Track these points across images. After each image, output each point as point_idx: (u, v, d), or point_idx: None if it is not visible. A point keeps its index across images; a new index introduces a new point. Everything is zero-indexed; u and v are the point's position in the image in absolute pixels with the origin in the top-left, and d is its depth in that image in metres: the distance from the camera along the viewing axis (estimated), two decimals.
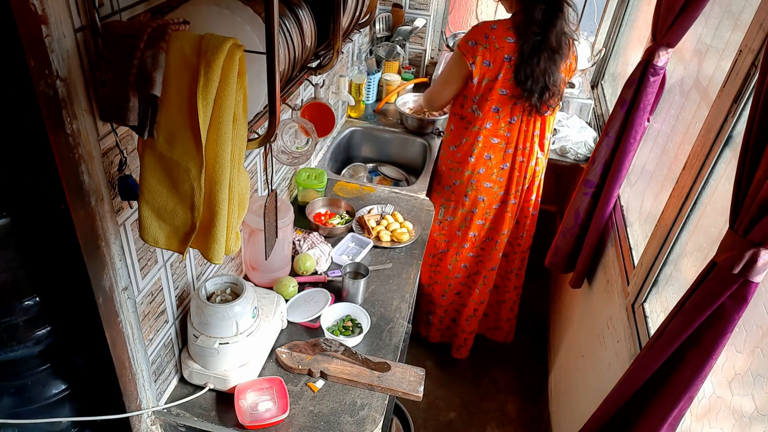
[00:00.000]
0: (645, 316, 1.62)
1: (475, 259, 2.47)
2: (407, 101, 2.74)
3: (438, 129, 2.67)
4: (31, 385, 1.11)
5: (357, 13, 1.50)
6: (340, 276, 1.77)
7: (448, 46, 3.00)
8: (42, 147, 0.83)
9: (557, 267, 2.34)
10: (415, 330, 2.80)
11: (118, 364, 1.14)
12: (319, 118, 1.65)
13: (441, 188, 2.40)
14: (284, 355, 1.51)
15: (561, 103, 2.20)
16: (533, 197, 2.36)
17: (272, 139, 0.98)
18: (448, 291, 2.57)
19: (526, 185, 2.30)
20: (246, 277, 1.74)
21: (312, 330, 1.63)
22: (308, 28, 1.22)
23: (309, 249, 1.85)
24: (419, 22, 3.00)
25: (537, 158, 2.24)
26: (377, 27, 2.95)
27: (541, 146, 2.23)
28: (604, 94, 3.02)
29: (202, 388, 1.41)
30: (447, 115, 2.61)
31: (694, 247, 1.50)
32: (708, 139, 1.42)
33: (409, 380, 1.48)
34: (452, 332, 2.72)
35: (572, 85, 2.86)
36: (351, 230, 2.03)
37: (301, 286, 1.75)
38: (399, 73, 3.00)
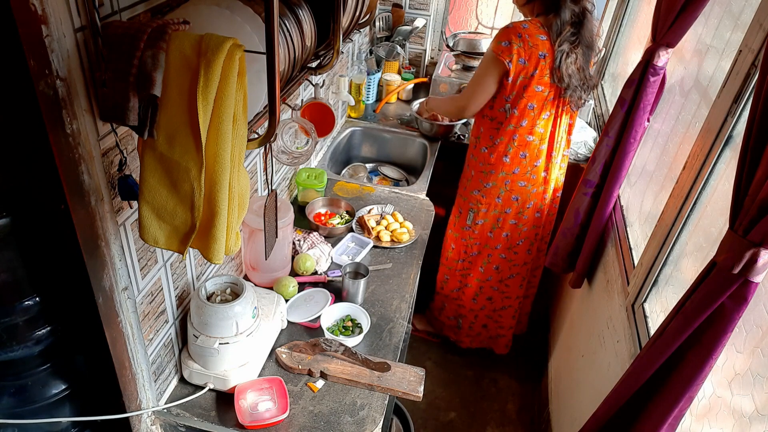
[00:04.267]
0: (645, 316, 1.62)
1: (507, 261, 2.43)
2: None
3: (457, 134, 2.66)
4: (31, 385, 1.11)
5: (357, 13, 1.50)
6: (340, 276, 1.77)
7: (448, 46, 3.00)
8: (42, 147, 0.83)
9: (557, 267, 2.34)
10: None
11: (118, 364, 1.14)
12: (319, 118, 1.65)
13: (468, 193, 2.35)
14: (284, 355, 1.51)
15: None
16: (558, 194, 2.36)
17: (272, 139, 0.98)
18: (479, 294, 2.54)
19: (554, 181, 2.30)
20: (246, 277, 1.74)
21: (312, 330, 1.63)
22: (308, 28, 1.22)
23: (309, 249, 1.85)
24: (419, 22, 3.00)
25: (563, 154, 2.25)
26: (377, 27, 2.95)
27: (568, 142, 2.24)
28: (604, 94, 3.02)
29: (202, 388, 1.41)
30: (463, 121, 2.61)
31: (694, 247, 1.50)
32: (708, 139, 1.42)
33: (409, 380, 1.48)
34: (485, 337, 2.70)
35: None
36: (351, 230, 2.03)
37: (301, 286, 1.75)
38: (399, 73, 3.00)
